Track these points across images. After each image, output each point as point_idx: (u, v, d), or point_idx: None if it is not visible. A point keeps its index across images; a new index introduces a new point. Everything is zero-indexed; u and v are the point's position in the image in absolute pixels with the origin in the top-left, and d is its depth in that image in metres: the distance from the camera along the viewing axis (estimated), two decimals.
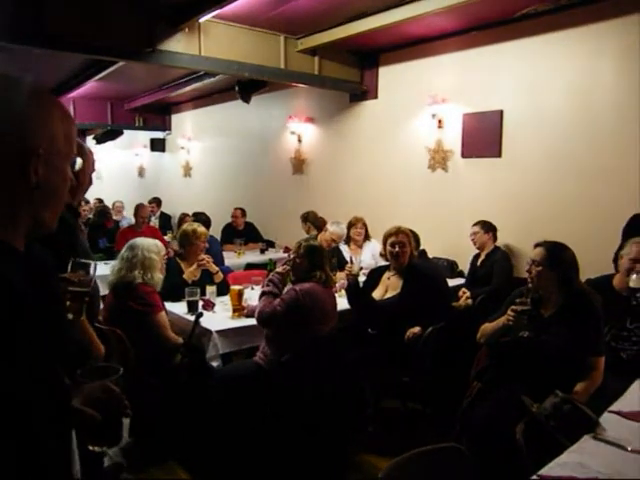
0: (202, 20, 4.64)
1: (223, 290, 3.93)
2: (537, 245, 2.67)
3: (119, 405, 1.10)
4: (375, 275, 3.94)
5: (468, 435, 2.35)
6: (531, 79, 4.71)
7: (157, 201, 9.24)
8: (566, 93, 4.49)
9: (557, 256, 2.59)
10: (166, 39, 4.67)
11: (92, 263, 1.60)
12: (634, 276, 2.71)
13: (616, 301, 2.81)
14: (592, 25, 4.27)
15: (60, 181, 0.97)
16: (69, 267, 1.53)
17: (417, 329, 3.48)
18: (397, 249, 3.66)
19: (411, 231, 3.91)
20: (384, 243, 3.80)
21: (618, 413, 1.96)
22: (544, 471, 1.55)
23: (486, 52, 5.00)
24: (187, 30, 4.72)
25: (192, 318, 3.27)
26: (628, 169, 4.09)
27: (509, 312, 2.59)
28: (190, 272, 3.93)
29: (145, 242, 3.39)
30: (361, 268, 4.03)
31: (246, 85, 6.25)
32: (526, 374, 2.45)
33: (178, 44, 4.74)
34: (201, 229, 4.07)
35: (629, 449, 1.70)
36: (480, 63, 5.06)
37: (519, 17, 4.59)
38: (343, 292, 4.17)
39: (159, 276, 3.35)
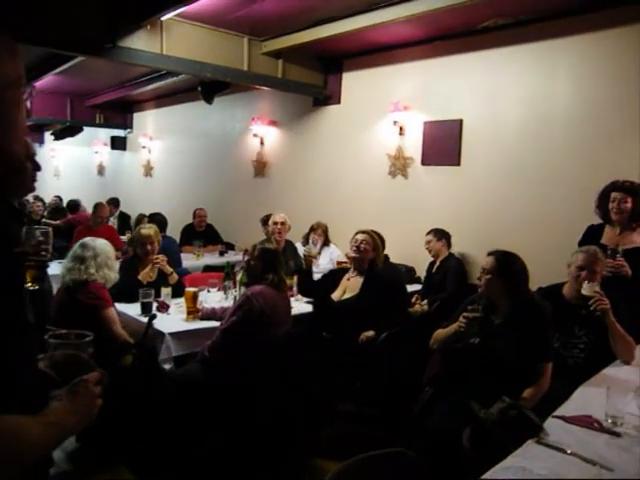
0: (165, 18, 4.58)
1: (179, 292, 3.87)
2: (489, 254, 2.72)
3: (86, 370, 1.11)
4: (334, 276, 3.96)
5: (419, 440, 2.37)
6: (490, 90, 4.82)
7: (115, 202, 9.03)
8: (524, 104, 4.61)
9: (506, 266, 2.63)
10: (127, 36, 4.59)
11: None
12: (586, 284, 2.78)
13: (565, 309, 2.88)
14: (549, 41, 4.41)
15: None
16: (23, 235, 1.46)
17: (371, 333, 3.51)
18: (358, 243, 3.76)
19: (379, 236, 3.97)
20: (352, 239, 3.87)
21: (561, 418, 2.01)
22: (487, 475, 1.57)
23: (448, 62, 5.09)
24: (149, 27, 4.65)
25: (146, 320, 3.21)
26: (582, 179, 4.22)
27: (461, 319, 2.62)
28: (145, 273, 3.87)
29: (97, 241, 3.38)
30: (319, 253, 4.06)
31: (209, 86, 6.20)
32: (476, 380, 2.48)
33: (139, 41, 4.66)
34: (145, 231, 4.02)
35: (568, 452, 1.74)
36: (442, 72, 5.15)
37: (481, 29, 4.70)
38: (299, 296, 4.19)
39: (113, 275, 3.33)
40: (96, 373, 1.12)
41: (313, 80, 6.07)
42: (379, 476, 1.64)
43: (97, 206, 6.59)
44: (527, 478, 1.55)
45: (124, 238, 6.78)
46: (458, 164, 5.07)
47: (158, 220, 5.58)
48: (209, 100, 6.32)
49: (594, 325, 2.79)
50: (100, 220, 6.48)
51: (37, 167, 1.99)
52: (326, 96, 6.21)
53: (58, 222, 7.73)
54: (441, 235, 4.79)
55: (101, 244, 3.34)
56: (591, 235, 3.71)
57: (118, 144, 10.12)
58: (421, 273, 5.18)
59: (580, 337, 2.86)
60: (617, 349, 2.75)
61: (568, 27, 4.28)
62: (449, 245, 4.82)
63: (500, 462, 1.65)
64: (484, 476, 1.56)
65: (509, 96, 4.71)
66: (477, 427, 1.96)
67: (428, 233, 4.86)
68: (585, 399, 2.22)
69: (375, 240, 3.85)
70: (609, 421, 1.98)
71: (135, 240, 4.07)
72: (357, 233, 3.87)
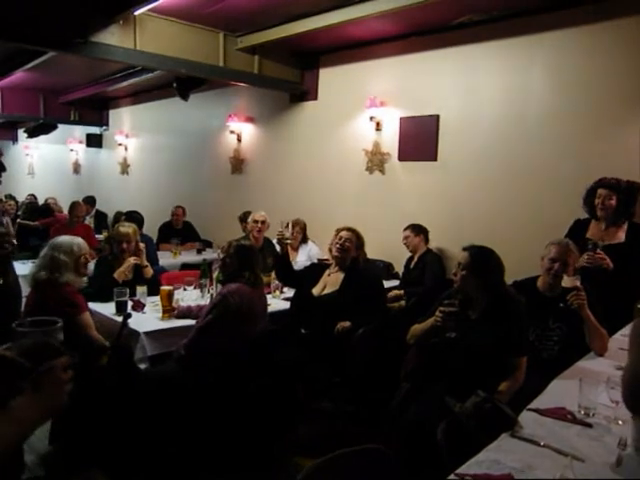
0: (138, 13, 4.51)
1: (155, 290, 3.82)
2: (464, 249, 2.73)
3: (55, 355, 1.10)
4: (315, 271, 3.94)
5: (397, 436, 2.37)
6: (467, 86, 4.85)
7: (91, 200, 8.89)
8: (499, 100, 4.65)
9: (481, 261, 2.64)
10: (99, 31, 4.51)
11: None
12: (566, 277, 2.81)
13: (539, 302, 2.91)
14: (524, 37, 4.45)
15: None
16: None
17: (347, 323, 3.52)
18: (342, 241, 3.75)
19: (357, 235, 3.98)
20: (335, 236, 3.86)
21: (536, 410, 2.02)
22: (462, 469, 1.57)
23: (424, 58, 5.11)
24: (122, 23, 4.58)
25: (120, 319, 3.16)
26: (558, 174, 4.28)
27: (437, 313, 2.63)
28: (120, 272, 3.81)
29: (59, 241, 3.27)
30: (296, 233, 4.31)
31: (184, 82, 6.14)
32: (452, 374, 2.49)
33: (112, 37, 4.59)
34: (123, 229, 3.96)
35: (542, 444, 1.75)
36: (418, 68, 5.17)
37: (456, 25, 4.72)
38: (277, 293, 4.17)
39: (70, 277, 3.18)
40: (64, 358, 1.10)
41: (290, 76, 6.04)
42: (354, 472, 1.63)
43: (73, 205, 6.50)
44: (500, 472, 1.55)
45: (100, 237, 6.69)
46: (435, 159, 5.09)
47: (135, 218, 5.51)
48: (185, 96, 6.26)
49: (568, 318, 2.82)
50: (76, 219, 6.39)
51: (2, 168, 1.93)
52: (303, 92, 6.19)
53: (36, 223, 7.61)
54: (419, 231, 4.81)
55: (62, 243, 3.23)
56: (577, 229, 3.77)
57: (94, 142, 9.97)
58: (399, 269, 5.19)
59: (554, 330, 2.89)
60: (591, 342, 2.78)
61: (543, 23, 4.32)
62: (427, 240, 4.84)
63: (475, 456, 1.65)
64: (459, 470, 1.56)
65: (485, 92, 4.74)
66: (452, 421, 1.97)
67: (406, 228, 4.88)
68: (559, 391, 2.24)
69: (359, 238, 3.84)
70: (581, 412, 2.00)
71: (113, 238, 3.99)
72: (340, 230, 3.85)
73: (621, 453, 1.69)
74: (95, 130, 10.00)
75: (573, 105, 4.25)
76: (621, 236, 3.67)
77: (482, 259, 2.65)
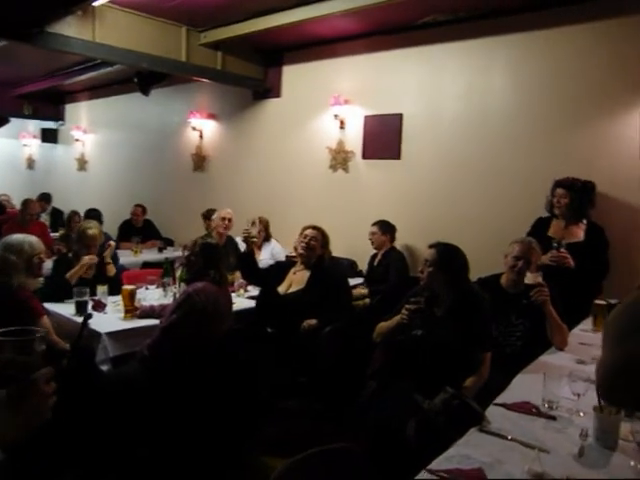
0: (97, 4, 4.38)
1: (116, 290, 3.72)
2: (430, 246, 2.75)
3: (30, 370, 1.04)
4: (280, 270, 3.92)
5: (364, 434, 2.37)
6: (430, 85, 4.91)
7: (46, 197, 8.61)
8: (462, 99, 4.72)
9: (447, 258, 2.68)
10: (56, 21, 4.36)
11: None
12: (529, 274, 2.88)
13: (503, 298, 2.96)
14: (486, 38, 4.53)
15: None
16: None
17: (314, 321, 3.51)
18: (307, 240, 3.74)
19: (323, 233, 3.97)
20: (300, 234, 3.84)
21: (502, 405, 2.06)
22: (432, 465, 1.58)
23: (388, 57, 5.14)
24: (80, 13, 4.44)
25: (81, 320, 3.07)
26: (520, 172, 4.39)
27: (403, 311, 2.64)
28: (72, 273, 3.68)
29: (9, 240, 3.12)
30: (259, 231, 4.27)
31: (146, 77, 6.01)
32: (419, 371, 2.51)
33: (70, 28, 4.45)
34: (92, 232, 3.82)
35: (509, 438, 1.79)
36: (382, 67, 5.20)
37: (420, 25, 4.77)
38: (242, 291, 4.14)
39: (21, 279, 3.02)
40: (47, 369, 1.05)
41: (253, 73, 5.99)
42: (325, 472, 1.62)
43: (26, 202, 6.27)
44: (470, 466, 1.57)
45: (56, 235, 6.49)
46: (398, 158, 5.14)
47: (94, 216, 5.37)
48: (146, 92, 6.13)
49: (530, 314, 2.89)
50: (30, 217, 6.16)
51: None
52: (266, 89, 6.15)
53: None
54: (386, 229, 4.81)
55: (11, 243, 3.08)
56: (539, 226, 3.88)
57: (49, 137, 9.67)
58: (363, 266, 5.22)
59: (517, 326, 2.95)
60: (553, 337, 2.86)
61: (505, 25, 4.42)
62: (393, 239, 4.85)
63: (444, 452, 1.67)
64: (429, 466, 1.57)
65: (448, 91, 4.81)
66: (421, 418, 1.98)
67: (374, 224, 4.87)
68: (523, 386, 2.28)
69: (324, 236, 3.84)
70: (546, 406, 2.04)
71: (79, 239, 3.83)
72: (306, 228, 3.83)
73: (583, 444, 1.75)
74: (51, 125, 9.69)
75: (533, 105, 4.36)
76: (580, 235, 3.80)
77: (448, 256, 2.68)
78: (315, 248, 3.76)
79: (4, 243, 3.09)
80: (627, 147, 3.97)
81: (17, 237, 3.17)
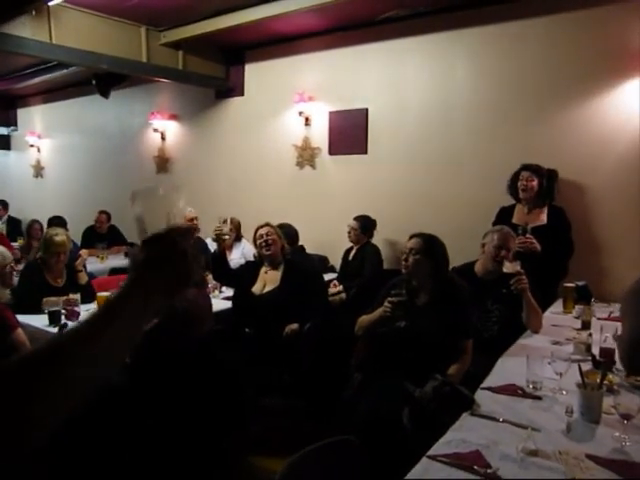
0: (52, 4, 4.25)
1: (88, 298, 3.63)
2: (413, 236, 2.79)
3: None
4: (251, 269, 3.89)
5: (355, 426, 2.39)
6: (394, 79, 4.97)
7: (2, 204, 8.33)
8: (425, 93, 4.81)
9: (432, 245, 2.74)
10: (9, 21, 4.20)
11: None
12: (507, 263, 2.95)
13: (478, 285, 3.04)
14: (447, 32, 4.62)
15: None
16: None
17: (295, 326, 3.50)
18: (265, 238, 3.70)
19: (289, 226, 3.94)
20: (254, 239, 3.82)
21: (489, 389, 2.12)
22: (432, 451, 1.62)
23: (351, 52, 5.18)
24: (34, 13, 4.29)
25: (55, 330, 3.00)
26: (484, 162, 4.50)
27: (386, 304, 2.66)
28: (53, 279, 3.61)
29: None
30: (231, 229, 4.26)
31: (104, 79, 5.87)
32: (405, 361, 2.55)
33: (24, 28, 4.30)
34: (59, 238, 3.71)
35: (501, 420, 1.84)
36: (346, 62, 5.23)
37: (382, 20, 4.82)
38: (216, 292, 4.11)
39: (3, 291, 2.96)
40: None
41: (215, 72, 5.94)
42: (327, 466, 1.64)
43: None
44: (468, 450, 1.61)
45: (16, 245, 6.27)
46: (365, 152, 5.18)
47: (58, 224, 5.21)
48: (105, 94, 5.98)
49: (505, 299, 2.98)
50: None
51: None
52: (229, 88, 6.10)
53: None
54: (367, 228, 4.79)
55: None
56: (503, 216, 3.98)
57: (1, 143, 9.33)
58: (334, 262, 5.24)
59: (493, 311, 3.04)
60: (529, 321, 2.95)
61: (466, 19, 4.52)
62: (371, 236, 4.87)
63: (441, 437, 1.71)
64: (429, 452, 1.61)
65: (411, 85, 4.88)
66: (414, 406, 2.02)
67: (355, 219, 4.84)
68: (506, 369, 2.36)
69: (275, 228, 3.83)
70: (530, 387, 2.11)
71: (46, 247, 3.72)
72: (258, 229, 3.78)
73: (569, 420, 1.82)
74: (2, 131, 9.35)
75: (495, 97, 4.48)
76: (543, 218, 3.92)
77: (434, 243, 2.74)
78: (275, 242, 3.73)
79: None
80: (584, 133, 4.13)
81: None
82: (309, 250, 5.21)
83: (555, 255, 3.73)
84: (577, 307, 3.38)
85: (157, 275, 0.81)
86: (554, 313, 3.48)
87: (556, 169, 4.04)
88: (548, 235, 3.74)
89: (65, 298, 3.44)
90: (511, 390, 2.10)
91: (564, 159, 4.14)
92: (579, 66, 4.10)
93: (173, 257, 0.83)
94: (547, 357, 2.17)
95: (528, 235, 3.62)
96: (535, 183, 3.87)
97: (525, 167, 3.93)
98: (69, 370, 0.70)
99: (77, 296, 3.55)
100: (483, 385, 2.17)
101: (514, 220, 3.93)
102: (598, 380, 1.88)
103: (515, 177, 3.98)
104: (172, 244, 0.83)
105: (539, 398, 2.04)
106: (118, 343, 0.76)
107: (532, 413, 1.91)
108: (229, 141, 6.24)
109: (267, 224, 3.81)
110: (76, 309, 3.45)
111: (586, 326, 3.05)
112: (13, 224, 8.16)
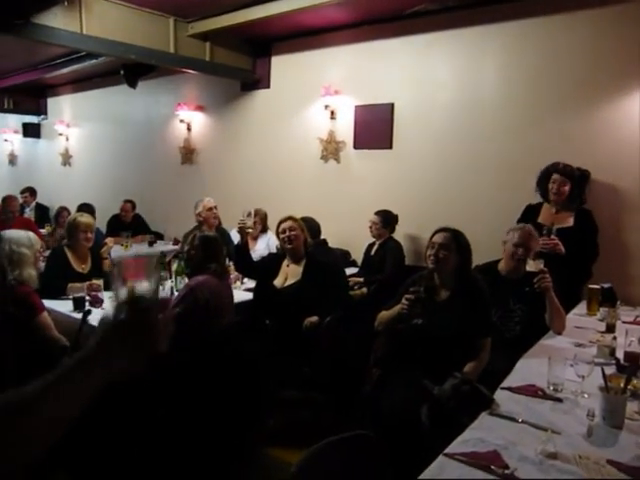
0: None
1: (110, 285, 3.69)
2: (440, 230, 2.76)
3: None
4: (273, 262, 3.90)
5: (374, 421, 2.40)
6: (421, 74, 4.92)
7: (30, 191, 8.47)
8: (452, 88, 4.74)
9: (461, 241, 2.72)
10: (42, 12, 4.27)
11: None
12: (531, 261, 2.91)
13: (501, 284, 3.01)
14: (476, 27, 4.54)
15: None
16: None
17: (315, 318, 3.51)
18: (288, 233, 3.70)
19: (312, 220, 3.93)
20: (277, 233, 3.83)
21: (508, 389, 2.10)
22: (449, 449, 1.61)
23: (378, 46, 5.14)
24: (67, 4, 4.35)
25: (79, 316, 3.05)
26: (511, 160, 4.42)
27: (403, 300, 2.64)
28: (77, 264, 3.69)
29: (14, 234, 3.07)
30: (255, 222, 4.34)
31: (132, 69, 5.93)
32: (423, 358, 2.54)
33: (56, 19, 4.36)
34: (85, 219, 3.82)
35: (520, 420, 1.83)
36: (372, 57, 5.19)
37: (410, 14, 4.76)
38: (238, 283, 4.14)
39: (30, 272, 3.01)
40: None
41: (241, 64, 5.94)
42: (344, 460, 1.64)
43: (5, 199, 6.12)
44: (486, 449, 1.60)
45: (44, 231, 6.40)
46: (390, 147, 5.15)
47: (87, 211, 5.30)
48: (133, 84, 6.05)
49: (528, 298, 2.94)
50: (11, 214, 6.03)
51: None
52: (255, 80, 6.11)
53: None
54: (388, 222, 4.75)
55: (19, 237, 3.04)
56: (529, 214, 3.90)
57: (31, 131, 9.48)
58: (356, 256, 5.23)
59: (515, 311, 3.00)
60: (552, 322, 2.91)
61: (495, 14, 4.42)
62: (393, 230, 4.85)
63: (458, 436, 1.70)
64: (446, 450, 1.60)
65: (438, 80, 4.82)
66: (433, 404, 2.01)
67: (376, 213, 4.80)
68: (527, 370, 2.33)
69: (298, 221, 3.83)
70: (551, 388, 2.09)
71: (71, 229, 3.80)
72: (280, 223, 3.79)
73: (591, 424, 1.79)
74: (32, 119, 9.50)
75: (524, 93, 4.38)
76: (570, 221, 3.82)
77: (462, 238, 2.72)
78: (298, 237, 3.74)
79: (10, 238, 3.01)
80: (617, 133, 4.00)
81: (20, 232, 3.14)
82: (331, 244, 5.20)
83: (579, 258, 3.65)
84: (602, 309, 3.33)
85: (123, 342, 0.82)
86: (578, 315, 3.43)
87: (588, 169, 3.94)
88: (574, 238, 3.65)
89: (88, 283, 3.51)
90: (531, 391, 2.08)
91: (597, 160, 4.01)
92: (621, 61, 3.94)
93: (144, 327, 0.84)
94: (569, 359, 2.14)
95: (553, 236, 3.55)
96: (567, 188, 3.74)
97: (557, 169, 3.79)
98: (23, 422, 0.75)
99: (100, 282, 3.61)
100: (503, 385, 2.15)
101: (540, 219, 3.84)
102: (622, 384, 1.85)
103: (545, 176, 3.86)
104: (144, 313, 0.84)
105: (560, 400, 2.01)
106: (68, 403, 0.79)
107: (552, 415, 1.89)
108: (254, 133, 6.26)
109: (290, 217, 3.80)
110: (99, 295, 3.51)
111: (610, 329, 2.99)
112: (41, 211, 8.31)
